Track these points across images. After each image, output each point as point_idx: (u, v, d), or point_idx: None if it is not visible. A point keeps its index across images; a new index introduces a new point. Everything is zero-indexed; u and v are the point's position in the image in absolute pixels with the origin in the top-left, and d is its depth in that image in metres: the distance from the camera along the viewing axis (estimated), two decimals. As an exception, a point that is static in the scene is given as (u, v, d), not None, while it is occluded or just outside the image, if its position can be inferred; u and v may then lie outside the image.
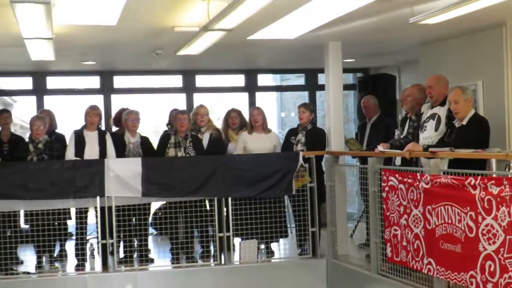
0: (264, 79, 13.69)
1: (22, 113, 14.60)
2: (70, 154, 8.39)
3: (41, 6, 5.32)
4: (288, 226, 9.25)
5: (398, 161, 7.41)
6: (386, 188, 7.11)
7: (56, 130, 9.16)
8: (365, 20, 7.71)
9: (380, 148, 7.34)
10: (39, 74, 11.94)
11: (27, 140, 8.65)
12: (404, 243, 6.80)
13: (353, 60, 11.28)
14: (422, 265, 6.48)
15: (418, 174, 6.54)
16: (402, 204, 6.79)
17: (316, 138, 8.85)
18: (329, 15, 7.36)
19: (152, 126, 16.09)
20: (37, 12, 5.53)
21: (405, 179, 6.73)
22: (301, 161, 8.41)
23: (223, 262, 8.46)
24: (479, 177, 5.57)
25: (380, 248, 7.36)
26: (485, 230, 5.52)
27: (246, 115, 9.52)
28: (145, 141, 8.84)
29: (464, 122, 6.54)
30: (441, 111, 6.97)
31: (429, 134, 6.97)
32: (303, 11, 6.97)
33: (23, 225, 8.77)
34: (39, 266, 8.45)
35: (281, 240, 8.94)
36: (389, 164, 7.45)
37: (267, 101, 14.23)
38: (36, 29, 6.37)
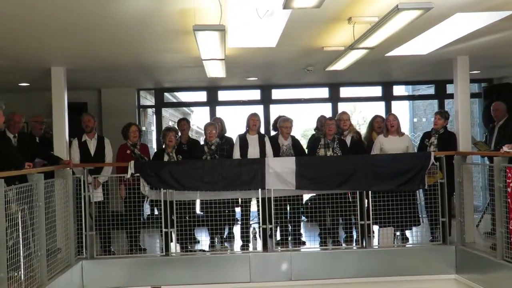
0: (398, 90, 13.38)
1: (198, 120, 15.17)
2: (236, 154, 8.54)
3: (217, 33, 5.47)
4: (420, 216, 8.98)
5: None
6: (511, 184, 6.76)
7: (226, 134, 9.31)
8: (490, 36, 7.36)
9: (505, 148, 7.01)
10: (212, 88, 12.25)
11: (202, 143, 8.91)
12: (528, 233, 6.45)
13: (479, 71, 10.79)
14: (545, 253, 6.12)
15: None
16: (526, 198, 6.44)
17: (448, 141, 8.55)
18: (458, 33, 7.11)
19: (300, 130, 16.19)
20: (214, 38, 5.66)
21: (529, 176, 6.39)
22: (432, 160, 8.16)
23: (364, 246, 8.35)
24: None
25: (505, 236, 7.01)
26: None
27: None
28: (296, 143, 8.84)
29: None
30: None
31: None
32: (435, 29, 6.78)
33: (198, 211, 8.99)
34: (211, 245, 8.62)
35: (414, 228, 8.68)
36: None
37: (401, 109, 13.93)
38: (212, 52, 6.50)
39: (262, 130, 11.15)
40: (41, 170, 7.03)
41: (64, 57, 8.11)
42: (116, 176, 8.39)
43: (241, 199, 8.55)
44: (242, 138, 8.63)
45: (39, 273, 6.62)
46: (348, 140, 8.82)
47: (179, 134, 9.18)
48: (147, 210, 9.37)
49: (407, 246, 8.60)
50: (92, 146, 8.57)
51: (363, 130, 9.64)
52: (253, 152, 8.53)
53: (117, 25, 6.23)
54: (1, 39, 6.83)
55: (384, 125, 8.81)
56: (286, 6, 4.58)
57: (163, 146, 8.69)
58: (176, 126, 9.63)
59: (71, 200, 7.86)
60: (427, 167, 8.15)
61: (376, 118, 9.31)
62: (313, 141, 8.82)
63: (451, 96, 9.34)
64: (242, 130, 8.82)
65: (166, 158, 8.45)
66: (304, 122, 16.36)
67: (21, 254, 6.25)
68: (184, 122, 9.58)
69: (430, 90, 13.28)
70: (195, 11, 5.43)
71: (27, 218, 6.45)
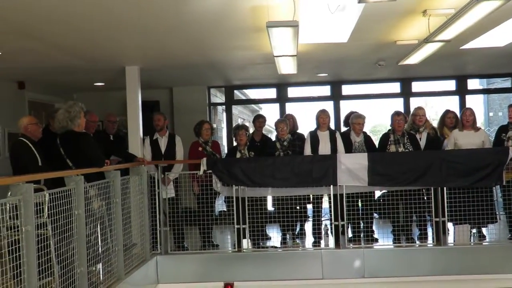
0: (472, 83, 13.01)
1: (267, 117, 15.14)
2: (307, 151, 8.50)
3: (290, 29, 5.46)
4: (497, 213, 8.71)
5: None
6: None
7: (298, 131, 9.29)
8: None
9: None
10: (282, 85, 12.28)
11: (273, 139, 8.92)
12: None
13: (560, 63, 10.38)
14: None
15: None
16: None
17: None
18: (539, 23, 6.85)
19: (370, 126, 15.99)
20: (287, 34, 5.66)
21: None
22: (511, 155, 7.88)
23: (439, 243, 8.14)
24: None
25: None
26: None
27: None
28: (368, 139, 8.75)
29: None
30: None
31: None
32: (513, 20, 6.56)
33: (270, 208, 9.01)
34: (283, 242, 8.61)
35: (491, 225, 8.41)
36: None
37: (475, 103, 13.55)
38: (285, 48, 6.49)
39: (332, 127, 11.09)
40: (117, 168, 7.19)
41: (139, 56, 8.30)
42: (189, 173, 8.50)
43: (313, 195, 8.50)
44: (313, 135, 8.60)
45: (116, 267, 6.78)
46: (424, 136, 8.62)
47: (250, 131, 9.21)
48: (222, 206, 9.45)
49: (484, 244, 8.35)
50: (163, 143, 8.73)
51: (434, 125, 9.36)
52: (325, 148, 8.48)
53: (190, 24, 6.31)
54: (79, 40, 7.05)
55: (460, 119, 8.57)
56: (361, 0, 4.52)
57: (235, 144, 8.73)
58: (245, 124, 9.65)
59: (146, 197, 8.02)
60: (505, 162, 7.87)
61: (447, 113, 9.01)
62: (383, 137, 8.66)
63: (529, 89, 9.02)
64: (312, 126, 8.79)
65: (238, 155, 8.51)
66: (374, 118, 16.15)
67: (100, 249, 6.41)
68: (262, 120, 9.62)
69: (506, 83, 12.88)
70: (268, 8, 5.43)
71: (105, 214, 6.61)
